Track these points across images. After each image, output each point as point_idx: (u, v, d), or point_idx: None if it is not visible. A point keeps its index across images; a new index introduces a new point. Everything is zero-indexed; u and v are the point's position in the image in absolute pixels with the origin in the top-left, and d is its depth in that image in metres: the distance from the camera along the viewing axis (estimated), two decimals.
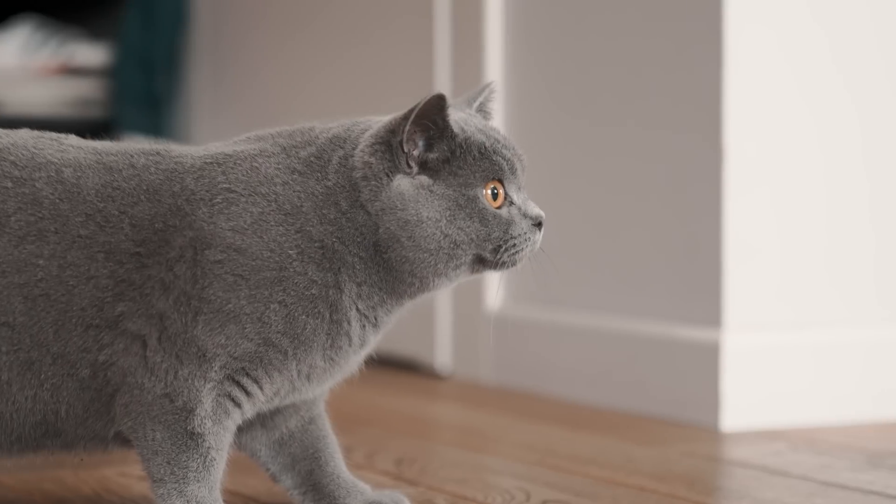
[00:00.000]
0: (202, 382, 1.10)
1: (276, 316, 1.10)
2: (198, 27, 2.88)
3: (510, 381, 2.03)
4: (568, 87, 1.95)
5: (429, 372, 2.17)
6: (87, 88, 2.91)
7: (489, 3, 2.06)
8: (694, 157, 1.74)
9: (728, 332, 1.70)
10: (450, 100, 1.12)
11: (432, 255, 1.12)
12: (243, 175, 1.13)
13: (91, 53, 2.91)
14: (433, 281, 1.14)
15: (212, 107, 2.83)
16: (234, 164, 1.14)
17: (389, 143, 1.13)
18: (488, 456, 1.53)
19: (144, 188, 1.13)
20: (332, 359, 1.14)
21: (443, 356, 2.16)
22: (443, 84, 2.13)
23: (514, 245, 1.14)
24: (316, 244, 1.12)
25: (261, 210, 1.12)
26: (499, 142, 1.15)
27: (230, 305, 1.09)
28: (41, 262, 1.11)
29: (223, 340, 1.10)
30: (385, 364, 2.21)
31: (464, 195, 1.12)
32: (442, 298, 2.14)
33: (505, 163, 1.14)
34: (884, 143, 1.78)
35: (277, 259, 1.10)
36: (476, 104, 1.21)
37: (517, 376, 2.02)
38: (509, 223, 1.13)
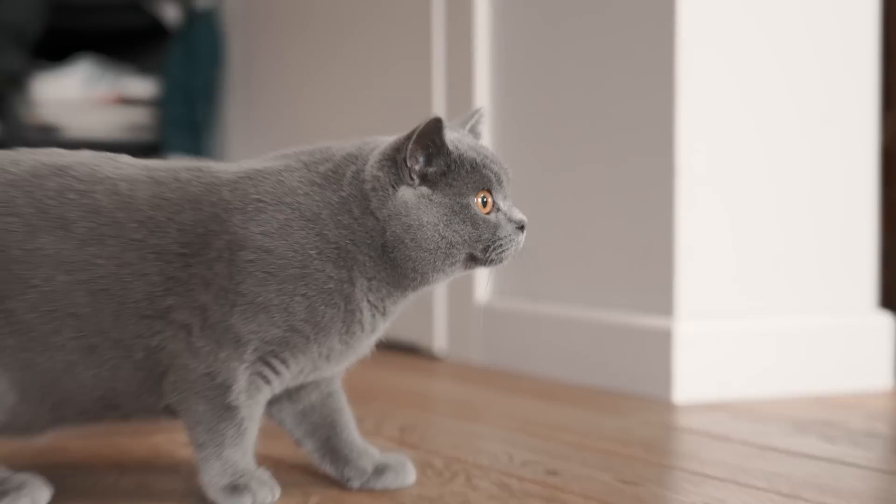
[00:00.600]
0: (238, 363, 1.11)
1: (299, 307, 1.11)
2: (231, 64, 2.88)
3: (496, 362, 2.03)
4: (544, 111, 1.95)
5: (427, 354, 2.17)
6: (138, 116, 2.91)
7: (478, 45, 2.06)
8: (650, 173, 1.74)
9: (678, 320, 1.70)
10: (446, 122, 1.13)
11: (432, 253, 1.13)
12: (271, 187, 1.14)
13: (141, 86, 2.92)
14: (432, 276, 1.14)
15: (243, 131, 2.84)
16: (263, 178, 1.15)
17: (395, 160, 1.14)
18: (477, 425, 1.53)
19: (188, 199, 1.14)
20: (347, 342, 1.15)
21: (439, 341, 2.16)
22: (439, 108, 2.14)
23: (501, 245, 1.15)
24: (332, 246, 1.12)
25: (286, 217, 1.12)
26: (487, 157, 1.15)
27: (261, 298, 1.10)
28: (101, 261, 1.11)
29: (255, 327, 1.11)
30: (391, 348, 2.21)
31: (458, 203, 1.13)
32: (439, 292, 2.14)
33: (493, 175, 1.15)
34: (818, 158, 1.79)
35: (300, 258, 1.11)
36: (468, 126, 1.21)
37: (502, 358, 2.02)
38: (497, 226, 1.14)
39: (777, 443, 1.39)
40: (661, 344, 1.70)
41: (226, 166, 1.18)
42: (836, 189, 1.81)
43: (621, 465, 1.28)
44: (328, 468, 1.22)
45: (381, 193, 1.13)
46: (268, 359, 1.12)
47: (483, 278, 2.06)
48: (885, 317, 1.82)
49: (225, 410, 1.13)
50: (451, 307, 2.13)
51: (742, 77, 1.74)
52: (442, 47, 2.15)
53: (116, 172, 1.16)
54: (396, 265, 1.13)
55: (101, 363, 1.13)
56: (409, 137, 1.13)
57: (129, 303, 1.12)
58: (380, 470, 1.21)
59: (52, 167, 1.15)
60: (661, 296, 1.72)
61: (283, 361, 1.13)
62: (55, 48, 3.06)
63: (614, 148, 1.81)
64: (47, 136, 2.82)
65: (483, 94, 2.07)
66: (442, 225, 1.13)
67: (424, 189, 1.13)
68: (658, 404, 1.66)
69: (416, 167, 1.13)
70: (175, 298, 1.12)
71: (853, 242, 1.82)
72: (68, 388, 1.14)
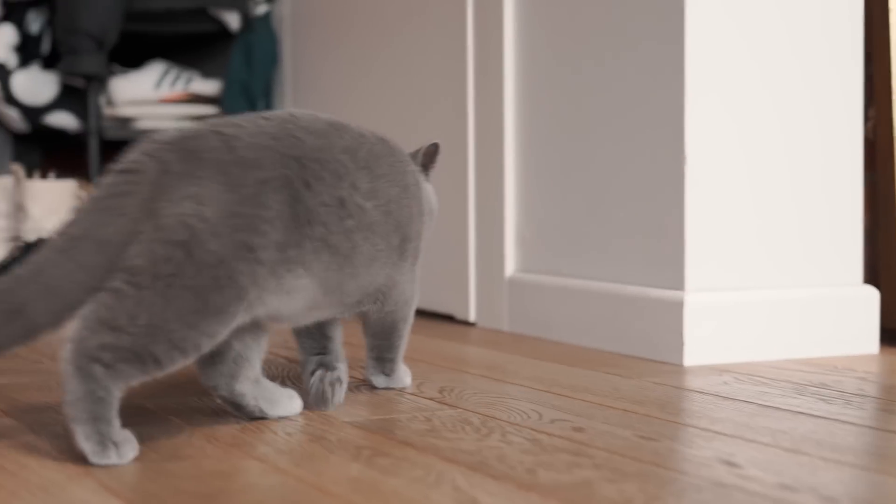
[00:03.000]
0: None
1: None
2: (284, 66, 2.88)
3: (523, 330, 2.03)
4: (565, 105, 1.94)
5: (463, 322, 2.16)
6: (203, 112, 2.91)
7: (506, 53, 2.05)
8: (663, 163, 1.73)
9: (689, 293, 1.69)
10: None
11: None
12: None
13: (207, 86, 2.92)
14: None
15: None
16: None
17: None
18: (508, 385, 1.52)
19: None
20: None
21: (473, 310, 2.16)
22: (471, 104, 2.13)
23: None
24: None
25: None
26: None
27: None
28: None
29: None
30: (430, 316, 2.21)
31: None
32: (472, 267, 2.14)
33: None
34: (809, 151, 1.77)
35: None
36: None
37: (528, 326, 2.01)
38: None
39: (778, 402, 1.38)
40: (673, 313, 1.68)
41: None
42: (827, 177, 1.79)
43: (639, 423, 1.26)
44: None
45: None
46: None
47: (510, 255, 2.05)
48: (871, 289, 1.81)
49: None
50: (482, 281, 2.13)
51: (743, 74, 1.72)
52: (473, 50, 2.14)
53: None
54: None
55: (373, 273, 1.28)
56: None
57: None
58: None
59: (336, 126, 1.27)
60: (672, 271, 1.71)
61: None
62: (131, 52, 3.07)
63: (631, 140, 1.80)
64: (123, 129, 2.82)
65: (510, 93, 2.06)
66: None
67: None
68: (670, 367, 1.65)
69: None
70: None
71: (841, 224, 1.81)
72: (348, 288, 1.25)
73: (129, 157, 1.14)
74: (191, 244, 1.09)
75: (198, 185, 1.11)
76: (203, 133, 1.16)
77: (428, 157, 1.44)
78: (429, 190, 1.43)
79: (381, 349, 1.45)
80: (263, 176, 1.15)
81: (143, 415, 1.32)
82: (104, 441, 1.07)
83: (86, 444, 1.07)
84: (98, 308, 1.08)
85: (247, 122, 1.20)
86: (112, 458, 1.07)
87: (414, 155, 1.43)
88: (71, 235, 1.09)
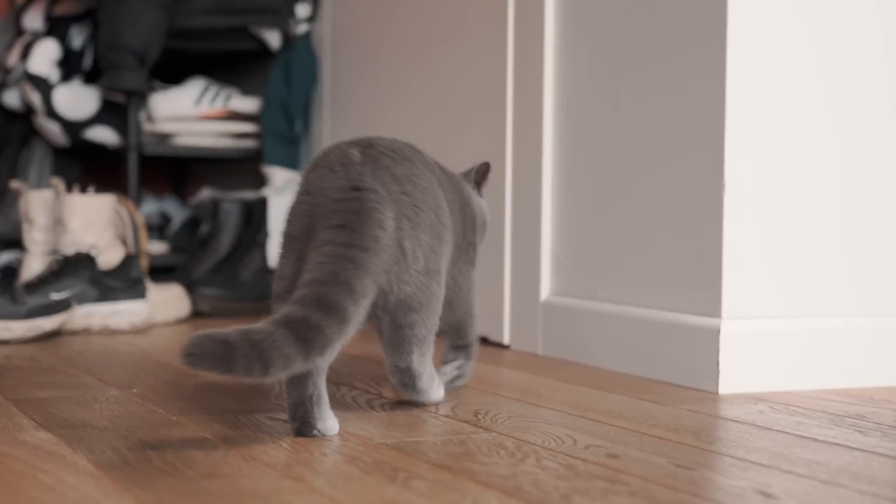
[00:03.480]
0: None
1: None
2: (323, 85, 2.89)
3: (557, 353, 2.02)
4: (604, 130, 1.94)
5: (497, 344, 2.16)
6: (241, 129, 2.93)
7: (545, 75, 2.05)
8: (701, 190, 1.73)
9: (725, 320, 1.68)
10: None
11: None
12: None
13: (246, 103, 2.93)
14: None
15: (331, 143, 2.84)
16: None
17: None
18: (542, 410, 1.52)
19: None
20: None
21: (507, 333, 2.16)
22: (510, 124, 2.13)
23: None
24: None
25: None
26: None
27: None
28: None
29: None
30: None
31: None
32: (507, 290, 2.14)
33: None
34: (855, 172, 1.77)
35: None
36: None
37: (562, 350, 2.01)
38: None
39: (814, 433, 1.37)
40: (709, 340, 1.68)
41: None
42: (866, 205, 1.78)
43: (674, 451, 1.26)
44: None
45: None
46: None
47: (546, 280, 2.05)
48: None
49: None
50: (516, 305, 2.13)
51: (787, 102, 1.72)
52: (512, 72, 2.14)
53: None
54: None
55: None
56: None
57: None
58: None
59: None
60: (709, 298, 1.70)
61: None
62: (172, 68, 3.09)
63: (669, 165, 1.80)
64: (163, 145, 2.84)
65: (548, 116, 2.06)
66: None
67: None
68: (706, 395, 1.64)
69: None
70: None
71: (881, 252, 1.79)
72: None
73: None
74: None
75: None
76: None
77: (480, 175, 1.63)
78: (482, 204, 1.63)
79: (455, 337, 1.64)
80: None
81: (179, 433, 1.33)
82: None
83: None
84: None
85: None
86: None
87: (467, 173, 1.63)
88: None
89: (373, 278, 1.27)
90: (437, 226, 1.38)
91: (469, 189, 1.59)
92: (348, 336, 1.24)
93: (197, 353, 1.13)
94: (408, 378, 1.43)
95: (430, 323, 1.39)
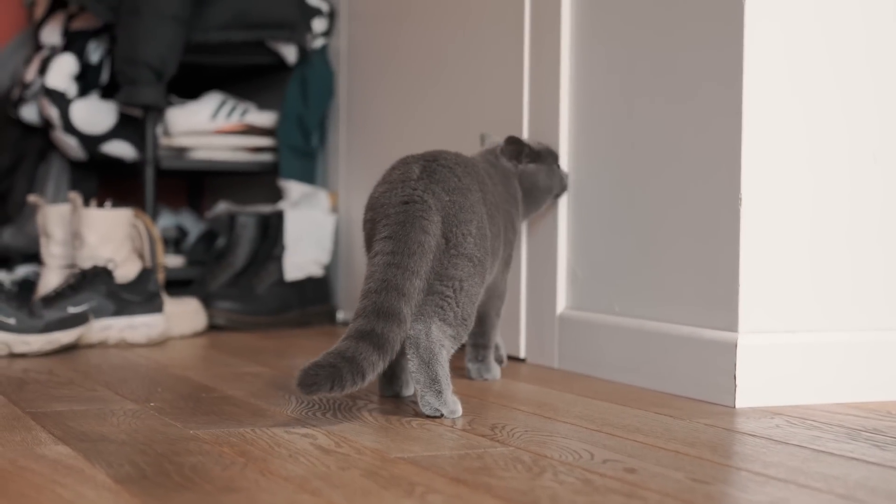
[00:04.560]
0: None
1: None
2: (338, 99, 2.90)
3: (573, 367, 2.02)
4: (618, 145, 1.94)
5: (513, 358, 2.17)
6: (258, 143, 2.94)
7: (561, 88, 2.05)
8: (719, 204, 1.73)
9: (742, 334, 1.68)
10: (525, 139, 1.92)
11: (543, 193, 1.93)
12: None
13: (262, 117, 2.94)
14: (542, 206, 1.95)
15: (347, 157, 2.85)
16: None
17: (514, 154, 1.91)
18: (559, 424, 1.52)
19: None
20: None
21: (523, 346, 2.16)
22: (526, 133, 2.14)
23: (566, 186, 1.97)
24: None
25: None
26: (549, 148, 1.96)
27: None
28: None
29: None
30: None
31: (550, 168, 1.93)
32: (523, 303, 2.14)
33: (556, 156, 1.96)
34: (873, 185, 1.77)
35: None
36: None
37: (578, 363, 2.01)
38: (565, 176, 1.97)
39: (831, 447, 1.37)
40: (725, 355, 1.68)
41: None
42: (884, 220, 1.78)
43: (692, 465, 1.26)
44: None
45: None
46: None
47: (561, 295, 2.05)
48: None
49: None
50: (532, 319, 2.13)
51: (803, 116, 1.72)
52: (528, 85, 2.15)
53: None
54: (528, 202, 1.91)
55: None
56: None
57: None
58: None
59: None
60: (725, 312, 1.70)
61: None
62: (188, 83, 3.10)
63: (686, 180, 1.80)
64: (179, 159, 2.85)
65: (564, 129, 2.06)
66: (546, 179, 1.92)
67: (531, 165, 1.90)
68: (721, 409, 1.64)
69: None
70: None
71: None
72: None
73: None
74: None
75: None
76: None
77: (511, 154, 1.90)
78: (531, 168, 1.92)
79: (476, 335, 1.84)
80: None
81: (196, 447, 1.33)
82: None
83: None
84: None
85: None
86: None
87: (492, 152, 1.90)
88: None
89: (421, 278, 1.47)
90: (481, 229, 1.59)
91: (514, 182, 1.87)
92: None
93: (313, 383, 1.37)
94: (424, 350, 1.51)
95: (463, 303, 1.55)
